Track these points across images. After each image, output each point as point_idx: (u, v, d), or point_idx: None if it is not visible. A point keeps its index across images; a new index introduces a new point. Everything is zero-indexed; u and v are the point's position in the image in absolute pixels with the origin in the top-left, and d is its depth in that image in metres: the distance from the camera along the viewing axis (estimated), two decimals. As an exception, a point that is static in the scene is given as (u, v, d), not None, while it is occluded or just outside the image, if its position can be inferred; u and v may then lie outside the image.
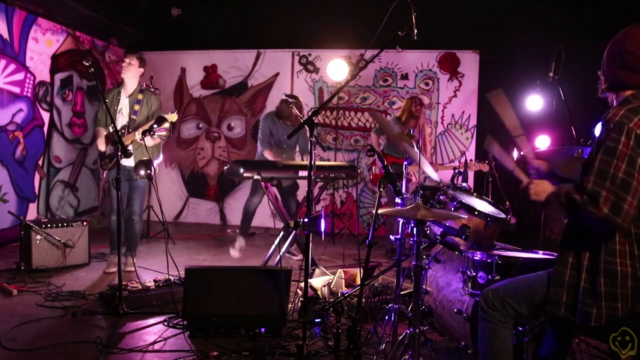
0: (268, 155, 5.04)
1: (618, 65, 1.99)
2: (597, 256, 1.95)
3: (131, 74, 4.66)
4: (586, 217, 1.90)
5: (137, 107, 4.63)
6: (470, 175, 6.88)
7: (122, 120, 4.63)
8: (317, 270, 4.18)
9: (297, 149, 5.67)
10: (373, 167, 6.02)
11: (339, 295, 3.59)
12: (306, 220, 2.83)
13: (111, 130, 4.29)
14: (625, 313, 1.91)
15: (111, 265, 4.68)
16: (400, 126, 5.71)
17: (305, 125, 2.88)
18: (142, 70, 4.74)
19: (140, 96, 4.66)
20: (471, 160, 5.88)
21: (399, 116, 5.84)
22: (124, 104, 4.64)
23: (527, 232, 5.70)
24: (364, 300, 3.31)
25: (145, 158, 4.27)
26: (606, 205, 1.83)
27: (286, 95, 5.09)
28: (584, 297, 1.96)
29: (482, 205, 3.17)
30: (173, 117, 4.43)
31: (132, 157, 4.51)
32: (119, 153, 3.74)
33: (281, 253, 4.49)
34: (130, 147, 4.34)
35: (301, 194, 7.49)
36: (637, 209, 1.86)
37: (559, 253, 2.09)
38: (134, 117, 4.59)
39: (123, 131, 4.51)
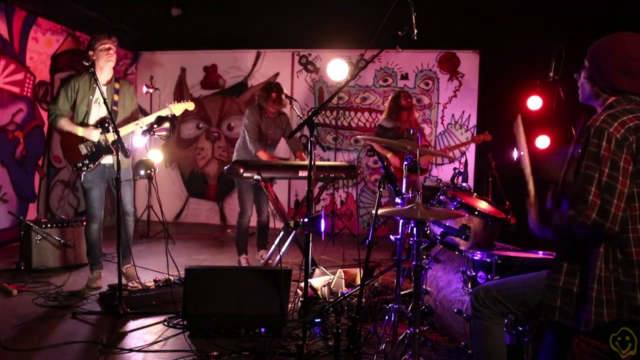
0: (262, 156, 4.91)
1: (617, 70, 2.00)
2: (588, 261, 1.97)
3: (115, 61, 4.20)
4: (577, 231, 1.93)
5: (116, 98, 4.19)
6: (470, 175, 6.89)
7: (99, 111, 4.14)
8: (317, 270, 4.18)
9: (284, 147, 5.50)
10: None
11: (339, 295, 3.59)
12: (306, 220, 2.83)
13: (103, 124, 4.05)
14: (611, 319, 1.91)
15: (96, 278, 4.30)
16: (392, 122, 5.57)
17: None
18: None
19: (117, 85, 4.22)
20: (474, 136, 5.77)
21: (388, 114, 5.68)
22: (99, 94, 3.99)
23: (527, 232, 5.71)
24: (364, 300, 3.31)
25: (144, 158, 4.25)
26: (593, 211, 1.87)
27: (286, 96, 4.99)
28: (575, 302, 1.98)
29: (482, 205, 3.17)
30: (190, 105, 4.31)
31: (111, 155, 4.10)
32: (118, 151, 3.71)
33: (281, 253, 4.49)
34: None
35: (301, 193, 7.51)
36: (624, 211, 1.89)
37: (554, 260, 2.11)
38: (115, 108, 4.16)
39: (107, 124, 4.08)
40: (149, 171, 5.31)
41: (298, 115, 4.52)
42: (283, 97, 4.94)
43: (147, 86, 6.50)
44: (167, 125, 4.23)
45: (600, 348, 3.03)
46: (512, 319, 2.55)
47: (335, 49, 7.08)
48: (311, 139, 2.93)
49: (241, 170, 4.43)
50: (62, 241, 4.70)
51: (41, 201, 6.22)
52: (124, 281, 3.76)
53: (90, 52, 4.10)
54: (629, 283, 1.91)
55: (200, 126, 7.96)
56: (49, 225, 4.70)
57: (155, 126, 4.16)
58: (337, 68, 5.94)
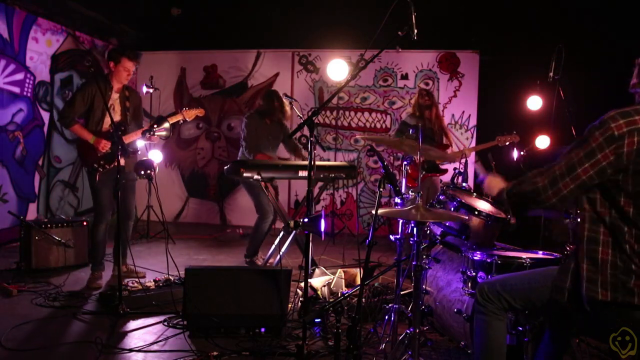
0: (261, 159, 4.91)
1: None
2: (586, 244, 1.97)
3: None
4: (522, 190, 2.00)
5: (127, 104, 4.42)
6: (470, 175, 6.87)
7: (113, 117, 4.23)
8: (317, 270, 4.18)
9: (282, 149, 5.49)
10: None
11: (339, 295, 3.59)
12: (306, 220, 2.83)
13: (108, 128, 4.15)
14: (605, 299, 1.89)
15: (96, 278, 4.35)
16: (417, 120, 5.55)
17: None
18: None
19: (127, 92, 4.44)
20: (499, 136, 5.65)
21: (412, 112, 5.70)
22: (114, 100, 4.33)
23: (527, 232, 5.71)
24: (364, 300, 3.31)
25: (145, 158, 4.26)
26: (548, 178, 1.94)
27: (285, 96, 5.02)
28: (577, 281, 1.97)
29: (482, 205, 3.17)
30: (200, 111, 4.55)
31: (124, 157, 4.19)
32: (119, 153, 3.73)
33: (281, 253, 4.49)
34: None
35: (301, 193, 7.51)
36: (573, 195, 1.93)
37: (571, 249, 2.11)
38: (127, 113, 4.38)
39: (123, 128, 4.28)
40: (149, 171, 5.31)
41: (298, 115, 4.53)
42: (287, 107, 4.98)
43: (147, 86, 6.50)
44: (166, 125, 4.25)
45: (600, 348, 3.03)
46: (512, 319, 2.55)
47: (335, 49, 7.08)
48: (311, 139, 2.93)
49: (241, 170, 4.44)
50: (62, 241, 4.70)
51: (41, 201, 6.22)
52: (133, 278, 3.80)
53: (111, 63, 4.23)
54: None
55: (200, 126, 7.96)
56: (49, 225, 4.70)
57: (155, 126, 4.19)
58: (337, 68, 5.94)
